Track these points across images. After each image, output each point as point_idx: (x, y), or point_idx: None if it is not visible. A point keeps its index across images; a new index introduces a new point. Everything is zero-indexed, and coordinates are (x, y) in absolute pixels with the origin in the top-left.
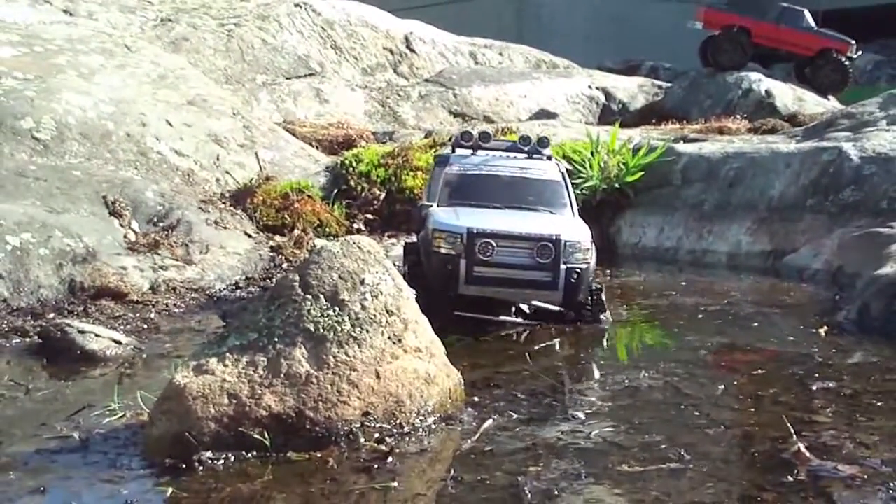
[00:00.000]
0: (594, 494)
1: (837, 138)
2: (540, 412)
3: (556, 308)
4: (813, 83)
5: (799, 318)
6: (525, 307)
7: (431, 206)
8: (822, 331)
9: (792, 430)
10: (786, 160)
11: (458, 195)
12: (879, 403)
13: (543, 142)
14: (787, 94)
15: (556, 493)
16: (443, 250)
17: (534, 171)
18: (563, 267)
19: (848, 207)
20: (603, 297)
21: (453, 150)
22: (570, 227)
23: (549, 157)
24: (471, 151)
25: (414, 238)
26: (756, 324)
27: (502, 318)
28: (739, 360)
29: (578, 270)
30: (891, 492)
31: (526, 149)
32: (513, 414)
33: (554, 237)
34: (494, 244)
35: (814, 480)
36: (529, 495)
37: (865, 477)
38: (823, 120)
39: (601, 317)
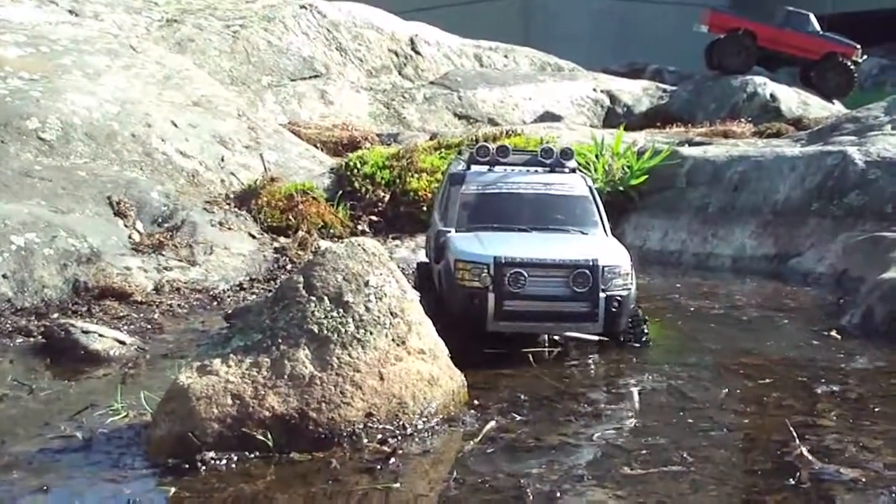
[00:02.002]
0: (596, 497)
1: (842, 142)
2: (542, 414)
3: (594, 337)
4: (818, 87)
5: (803, 322)
6: (556, 337)
7: (450, 231)
8: (833, 333)
9: (794, 434)
10: (790, 164)
11: (478, 218)
12: (883, 408)
13: (567, 153)
14: (792, 98)
15: (558, 494)
16: (468, 283)
17: (559, 186)
18: (602, 295)
19: (853, 211)
20: (644, 319)
21: (468, 167)
22: (606, 249)
23: (574, 171)
24: (487, 168)
25: (426, 259)
26: (760, 327)
27: (536, 349)
28: (743, 363)
29: (619, 298)
30: (894, 495)
31: (548, 162)
32: (515, 416)
33: (591, 263)
34: (526, 274)
35: (816, 484)
36: (532, 497)
37: (867, 481)
38: (828, 124)
39: (644, 339)
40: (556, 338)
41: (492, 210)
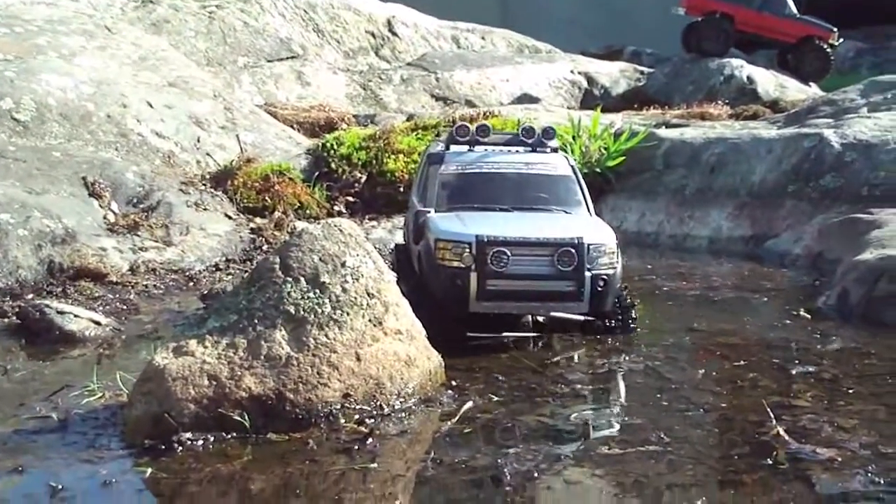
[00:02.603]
0: (574, 476)
1: (819, 125)
2: (520, 395)
3: (579, 317)
4: (795, 70)
5: (779, 304)
6: (541, 318)
7: (429, 211)
8: (803, 312)
9: (771, 414)
10: (767, 146)
11: (458, 198)
12: (858, 388)
13: (549, 133)
14: (768, 81)
15: (535, 475)
16: (449, 263)
17: (541, 166)
18: (587, 274)
19: (829, 193)
20: (631, 302)
21: (447, 147)
22: (591, 228)
23: (556, 150)
24: (467, 147)
25: (403, 241)
26: (736, 308)
27: (520, 334)
28: (720, 344)
29: (605, 277)
30: (869, 475)
31: (530, 141)
32: (493, 396)
33: (576, 241)
34: (509, 253)
35: (792, 463)
36: (509, 477)
37: (843, 460)
38: (805, 106)
39: (631, 325)
40: (540, 319)
41: (472, 190)
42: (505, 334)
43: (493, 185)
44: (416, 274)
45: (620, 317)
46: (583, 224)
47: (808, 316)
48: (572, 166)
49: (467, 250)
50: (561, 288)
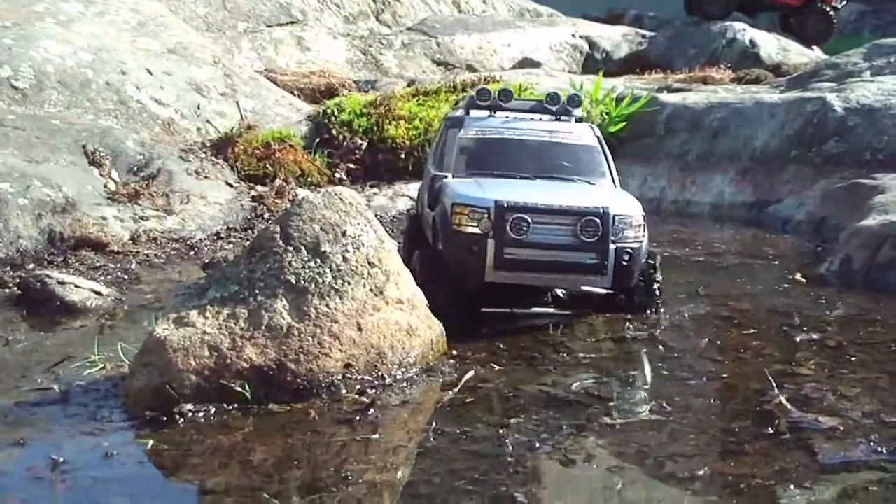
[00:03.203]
0: (575, 446)
1: (821, 89)
2: (521, 364)
3: (601, 291)
4: (798, 33)
5: (782, 270)
6: (561, 293)
7: (446, 176)
8: (799, 276)
9: (773, 383)
10: (770, 110)
11: (477, 164)
12: (862, 356)
13: (574, 100)
14: (771, 45)
15: (537, 445)
16: (466, 229)
17: (565, 134)
18: (611, 247)
19: (832, 158)
20: (657, 279)
21: (467, 112)
22: (617, 199)
23: (581, 119)
24: (488, 113)
25: (416, 209)
26: (740, 275)
27: (538, 310)
28: (723, 311)
29: (630, 251)
30: (871, 444)
31: (554, 109)
32: (494, 366)
33: (601, 210)
34: (529, 220)
35: (795, 432)
36: (511, 447)
37: (845, 429)
38: (807, 70)
39: (655, 300)
40: (560, 294)
41: (492, 156)
42: (521, 311)
43: (515, 152)
44: (430, 244)
45: (644, 294)
46: (608, 194)
47: (804, 280)
48: (598, 137)
49: (485, 216)
50: (583, 260)
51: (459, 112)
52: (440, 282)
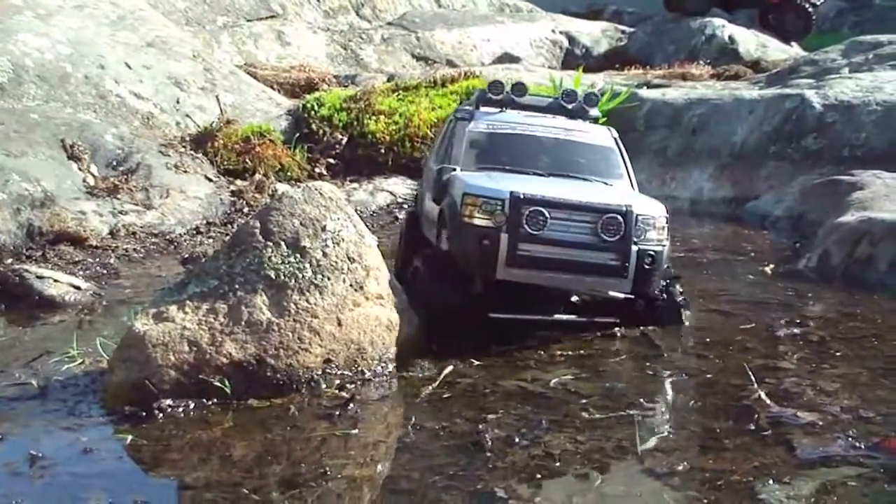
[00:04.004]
0: (554, 441)
1: (800, 85)
2: (500, 360)
3: (619, 296)
4: (777, 29)
5: (760, 266)
6: (575, 298)
7: (454, 169)
8: (768, 269)
9: (753, 378)
10: (749, 107)
11: (488, 158)
12: (842, 351)
13: (591, 99)
14: (750, 41)
15: (516, 440)
16: (477, 221)
17: (581, 133)
18: (633, 248)
19: (810, 155)
20: (680, 289)
21: (477, 107)
22: (639, 198)
23: (597, 119)
24: (500, 108)
25: (414, 208)
26: (720, 271)
27: (551, 317)
28: (703, 307)
29: (652, 253)
30: (849, 439)
31: (570, 107)
32: (474, 361)
33: (623, 209)
34: (547, 214)
35: (774, 427)
36: (490, 442)
37: (825, 424)
38: (786, 67)
39: (684, 313)
40: (574, 299)
41: (504, 151)
42: (532, 318)
43: (528, 148)
44: (430, 244)
45: (666, 303)
46: (630, 194)
47: (769, 271)
48: (615, 138)
49: (499, 207)
50: (603, 260)
51: (467, 106)
52: (446, 282)
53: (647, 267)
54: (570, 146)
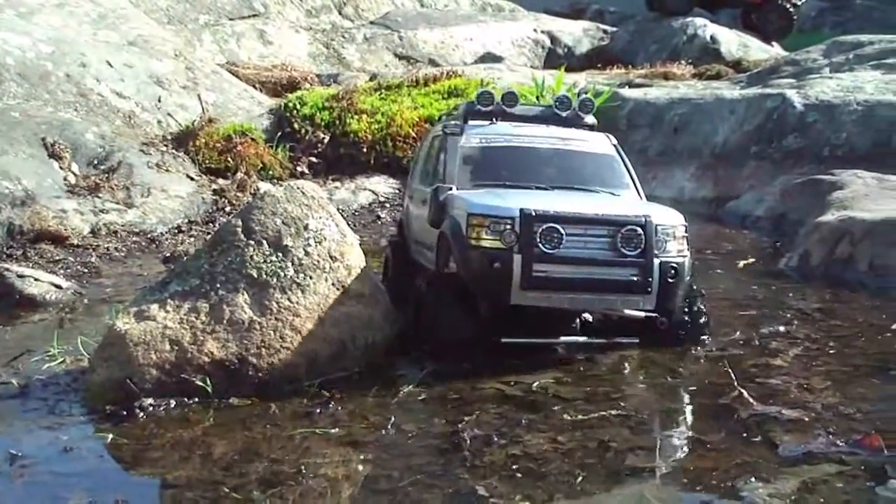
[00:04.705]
0: (533, 441)
1: (781, 85)
2: (481, 361)
3: (640, 314)
4: (758, 30)
5: (742, 268)
6: (589, 316)
7: (450, 188)
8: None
9: (733, 376)
10: (730, 106)
11: (485, 175)
12: (823, 349)
13: (586, 105)
14: (731, 41)
15: (495, 439)
16: (486, 243)
17: (579, 142)
18: (655, 261)
19: (791, 154)
20: (704, 307)
21: (465, 120)
22: (656, 207)
23: (593, 126)
24: (490, 120)
25: (396, 234)
26: (701, 271)
27: (569, 339)
28: None
29: (675, 266)
30: (830, 436)
31: (564, 115)
32: (454, 362)
33: (643, 220)
34: (562, 231)
35: (757, 425)
36: (469, 442)
37: (807, 421)
38: (767, 66)
39: (704, 331)
40: (589, 318)
41: (501, 166)
42: (549, 341)
43: (526, 161)
44: (421, 271)
45: (688, 317)
46: (644, 204)
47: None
48: (615, 146)
49: (509, 226)
50: (623, 277)
51: (456, 119)
52: (454, 307)
53: (670, 281)
54: (570, 157)
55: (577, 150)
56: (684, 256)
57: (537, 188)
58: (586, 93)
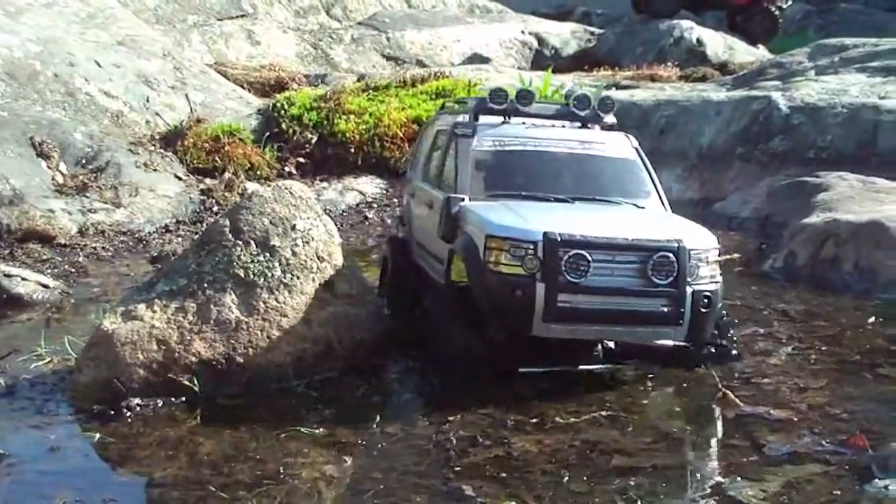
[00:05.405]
0: (520, 443)
1: (767, 88)
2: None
3: (668, 343)
4: (744, 32)
5: (727, 266)
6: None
7: (463, 199)
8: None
9: (716, 376)
10: (716, 108)
11: (499, 183)
12: (808, 350)
13: (606, 104)
14: (717, 43)
15: (480, 440)
16: (505, 269)
17: (599, 146)
18: (688, 290)
19: (777, 156)
20: (733, 335)
21: (475, 118)
22: (686, 227)
23: (613, 126)
24: (502, 119)
25: (400, 232)
26: None
27: (590, 367)
28: None
29: (709, 295)
30: (815, 435)
31: (583, 114)
32: (441, 365)
33: (675, 245)
34: (589, 258)
35: (743, 426)
36: (455, 442)
37: (793, 421)
38: (753, 69)
39: (733, 353)
40: (610, 345)
41: (516, 173)
42: (569, 369)
43: (544, 168)
44: (425, 273)
45: (717, 341)
46: (674, 222)
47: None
48: (636, 148)
49: (531, 251)
50: (655, 307)
51: (460, 117)
52: (467, 333)
53: (703, 311)
54: (590, 162)
55: (598, 155)
56: (717, 282)
57: (556, 199)
58: (572, 94)
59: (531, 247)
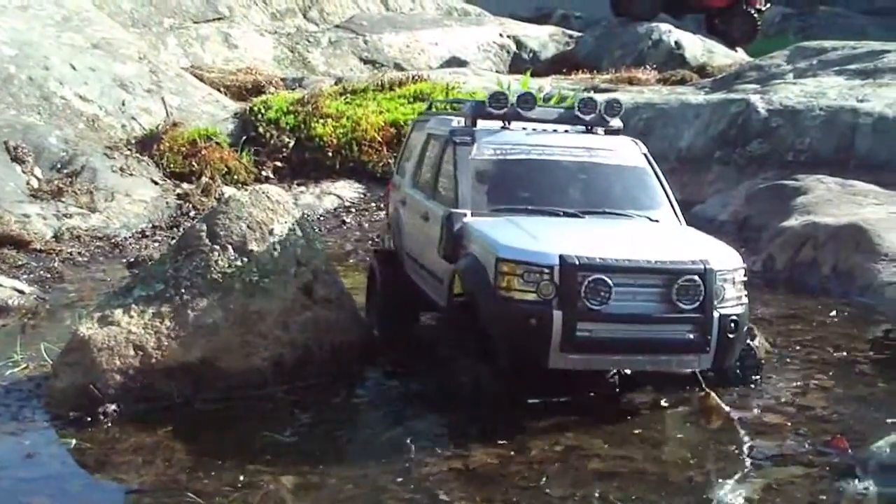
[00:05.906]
0: (495, 447)
1: (745, 90)
2: (444, 370)
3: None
4: (723, 35)
5: None
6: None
7: (465, 214)
8: None
9: (700, 379)
10: (695, 111)
11: (503, 196)
12: (789, 353)
13: (613, 108)
14: (696, 46)
15: (453, 445)
16: (517, 295)
17: (607, 153)
18: (715, 314)
19: (755, 159)
20: (757, 349)
21: (474, 123)
22: (710, 245)
23: (618, 131)
24: (502, 124)
25: (390, 243)
26: None
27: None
28: None
29: (736, 319)
30: (799, 438)
31: (588, 118)
32: (421, 368)
33: (702, 267)
34: (610, 283)
35: (729, 430)
36: (413, 449)
37: (777, 424)
38: (732, 72)
39: (755, 377)
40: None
41: (522, 184)
42: (577, 397)
43: (550, 179)
44: (418, 288)
45: (742, 363)
46: (697, 240)
47: None
48: (645, 154)
49: (547, 276)
50: (679, 335)
51: (454, 121)
52: (474, 355)
53: (730, 336)
54: (598, 171)
55: (606, 164)
56: (743, 304)
57: (566, 213)
58: (551, 97)
59: (547, 271)
